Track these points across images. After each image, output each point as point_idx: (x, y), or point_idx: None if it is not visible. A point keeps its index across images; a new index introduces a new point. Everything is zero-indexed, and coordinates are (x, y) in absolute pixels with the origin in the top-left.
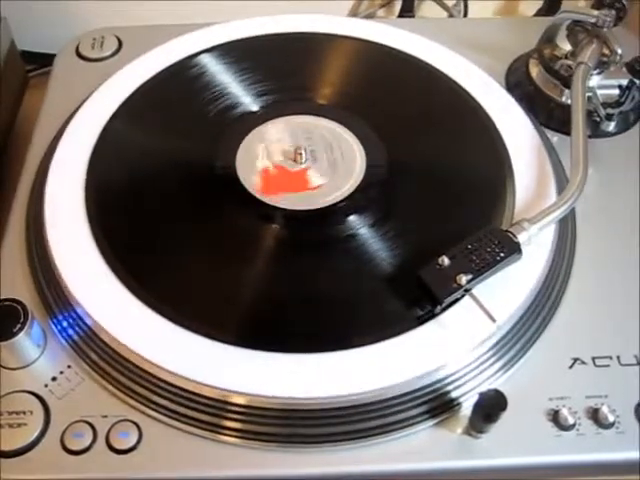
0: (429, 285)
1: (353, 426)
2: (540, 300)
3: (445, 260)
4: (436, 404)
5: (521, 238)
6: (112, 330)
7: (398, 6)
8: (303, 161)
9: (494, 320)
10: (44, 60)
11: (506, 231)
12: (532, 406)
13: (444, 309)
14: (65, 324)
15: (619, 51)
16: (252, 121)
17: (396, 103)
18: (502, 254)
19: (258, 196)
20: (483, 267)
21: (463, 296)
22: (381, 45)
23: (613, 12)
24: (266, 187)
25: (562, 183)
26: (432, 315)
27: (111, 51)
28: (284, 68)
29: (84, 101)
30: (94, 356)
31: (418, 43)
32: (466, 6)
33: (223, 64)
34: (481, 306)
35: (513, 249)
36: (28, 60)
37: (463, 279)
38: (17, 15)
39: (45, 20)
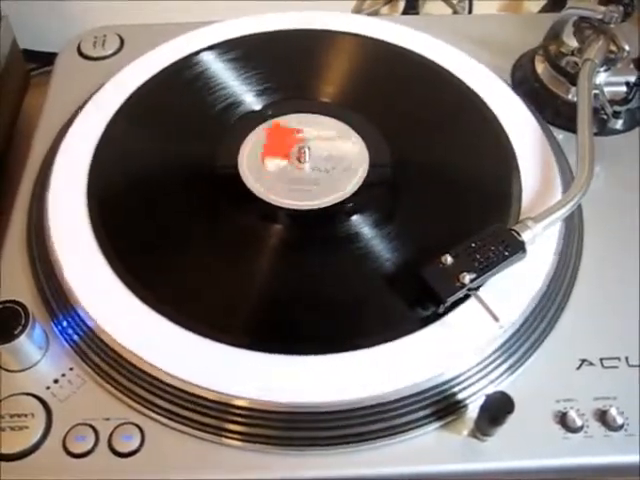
0: (431, 284)
1: (358, 429)
2: (547, 300)
3: (448, 259)
4: (442, 406)
5: (525, 237)
6: (114, 332)
7: (402, 4)
8: (306, 160)
9: (497, 319)
10: (46, 59)
11: (510, 230)
12: (539, 408)
13: (448, 309)
14: (67, 326)
15: (627, 48)
16: (255, 120)
17: (400, 101)
18: (506, 253)
19: (261, 196)
20: (487, 266)
21: (468, 296)
22: (385, 42)
23: (621, 8)
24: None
25: (568, 181)
26: (437, 316)
27: (113, 50)
28: (287, 66)
29: (86, 100)
30: (96, 358)
31: (422, 40)
32: (471, 3)
33: (225, 62)
34: (485, 306)
35: (517, 248)
36: (30, 59)
37: (466, 278)
38: (18, 14)
39: (47, 19)
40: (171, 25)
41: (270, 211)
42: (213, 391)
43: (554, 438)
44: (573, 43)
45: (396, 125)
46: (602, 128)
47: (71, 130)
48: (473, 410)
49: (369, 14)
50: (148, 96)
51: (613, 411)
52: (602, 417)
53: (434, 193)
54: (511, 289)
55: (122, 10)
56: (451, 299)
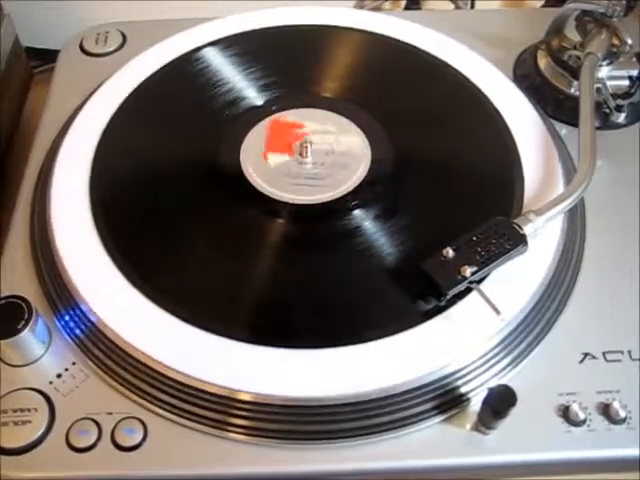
0: (432, 277)
1: (360, 422)
2: (549, 294)
3: (449, 252)
4: (444, 400)
5: (527, 230)
6: (117, 327)
7: None
8: (308, 155)
9: (499, 312)
10: (48, 56)
11: (512, 223)
12: (542, 402)
13: (450, 302)
14: (70, 321)
15: (629, 41)
16: (256, 115)
17: (402, 96)
18: (507, 246)
19: (263, 191)
20: (488, 259)
21: (469, 289)
22: (387, 37)
23: (623, 1)
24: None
25: (571, 175)
26: (439, 309)
27: (115, 46)
28: (289, 61)
29: (89, 96)
30: (99, 353)
31: (425, 35)
32: None
33: (227, 57)
34: (486, 299)
35: (519, 241)
36: (32, 57)
37: (467, 271)
38: (21, 12)
39: (49, 16)
40: (173, 21)
41: (272, 206)
42: (216, 385)
43: (557, 431)
44: (575, 37)
45: (398, 119)
46: (605, 122)
47: (73, 126)
48: (476, 404)
49: (372, 9)
50: (150, 92)
51: (616, 404)
52: (605, 410)
53: (436, 187)
54: (514, 282)
55: (124, 7)
56: (452, 292)
